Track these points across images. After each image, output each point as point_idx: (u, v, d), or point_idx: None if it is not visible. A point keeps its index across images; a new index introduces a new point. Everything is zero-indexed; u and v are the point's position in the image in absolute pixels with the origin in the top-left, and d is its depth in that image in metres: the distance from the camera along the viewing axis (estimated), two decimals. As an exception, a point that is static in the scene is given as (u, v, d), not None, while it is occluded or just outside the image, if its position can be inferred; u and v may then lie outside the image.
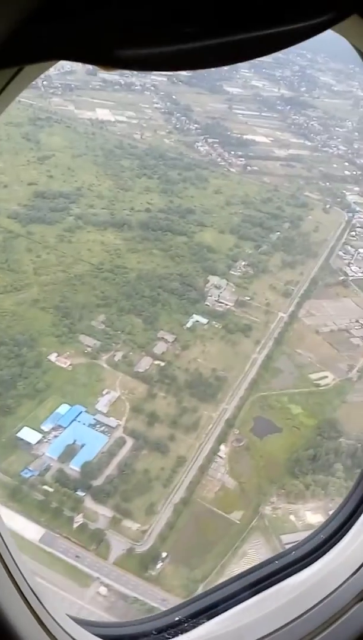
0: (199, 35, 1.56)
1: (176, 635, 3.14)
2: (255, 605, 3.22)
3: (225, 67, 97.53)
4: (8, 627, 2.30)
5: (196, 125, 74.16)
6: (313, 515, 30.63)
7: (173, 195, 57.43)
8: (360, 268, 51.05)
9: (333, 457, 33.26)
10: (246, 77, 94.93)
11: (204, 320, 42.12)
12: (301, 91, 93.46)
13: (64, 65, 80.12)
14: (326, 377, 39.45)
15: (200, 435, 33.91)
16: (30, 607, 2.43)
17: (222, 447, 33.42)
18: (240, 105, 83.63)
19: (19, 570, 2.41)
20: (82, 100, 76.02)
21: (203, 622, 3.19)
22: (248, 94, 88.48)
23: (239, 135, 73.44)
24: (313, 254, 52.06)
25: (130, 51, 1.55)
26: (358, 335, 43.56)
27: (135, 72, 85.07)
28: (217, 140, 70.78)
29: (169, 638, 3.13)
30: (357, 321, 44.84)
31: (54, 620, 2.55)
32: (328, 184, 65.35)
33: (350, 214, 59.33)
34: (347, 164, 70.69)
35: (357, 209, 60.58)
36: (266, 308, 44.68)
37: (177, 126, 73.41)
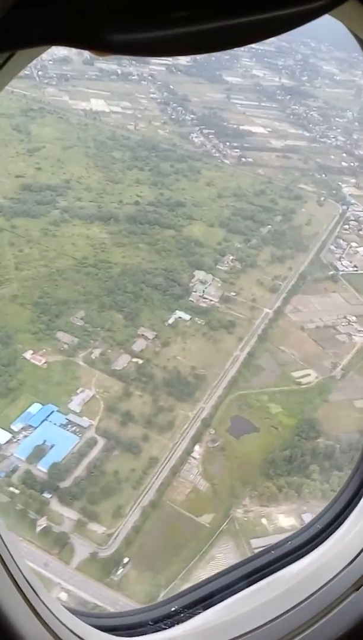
0: (193, 19, 1.54)
1: (172, 625, 3.19)
2: (251, 595, 3.27)
3: (226, 56, 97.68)
4: (4, 617, 2.31)
5: (192, 116, 73.00)
6: (285, 519, 29.94)
7: (163, 188, 56.54)
8: (351, 262, 50.08)
9: (310, 458, 32.54)
10: (247, 66, 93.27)
11: (187, 317, 41.39)
12: (303, 80, 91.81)
13: (60, 54, 79.63)
14: (309, 375, 38.66)
15: (174, 436, 33.27)
16: (26, 597, 2.46)
17: (196, 447, 32.77)
18: (238, 95, 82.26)
19: (14, 561, 2.45)
20: (77, 90, 74.87)
21: (200, 612, 3.24)
22: (248, 84, 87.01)
23: (235, 126, 72.26)
24: (303, 248, 51.10)
25: (122, 35, 1.53)
26: (345, 332, 42.67)
27: (133, 62, 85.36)
28: (213, 131, 69.60)
29: (166, 628, 3.18)
30: (345, 317, 43.93)
31: (50, 611, 2.58)
32: (324, 175, 64.19)
33: (345, 207, 58.20)
34: (344, 155, 69.40)
35: (352, 201, 59.43)
36: (252, 304, 43.86)
37: (172, 117, 72.34)
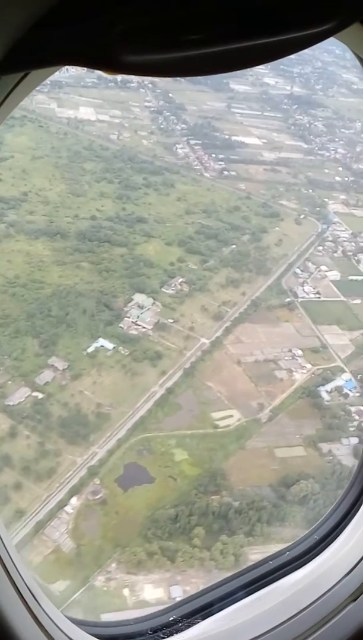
0: (203, 42, 1.62)
1: (171, 634, 3.27)
2: (249, 605, 3.36)
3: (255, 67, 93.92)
4: (6, 625, 2.32)
5: (183, 126, 69.61)
6: (153, 590, 26.19)
7: (128, 202, 53.34)
8: (314, 288, 45.82)
9: (197, 518, 28.64)
10: (259, 73, 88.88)
11: (110, 346, 37.98)
12: (316, 89, 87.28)
13: None
14: (231, 416, 34.80)
15: (52, 485, 29.83)
16: (28, 606, 2.49)
17: (73, 500, 29.27)
18: (241, 104, 78.46)
19: (17, 569, 2.49)
20: (68, 98, 72.50)
21: (198, 622, 3.31)
22: (255, 92, 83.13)
23: (227, 137, 68.58)
24: (265, 271, 47.08)
25: (135, 57, 1.61)
26: (286, 368, 38.63)
27: None
28: (200, 142, 66.04)
29: (164, 637, 3.24)
30: (290, 350, 39.84)
31: (51, 619, 2.65)
32: (311, 191, 59.95)
33: (325, 226, 53.87)
34: (340, 169, 64.94)
35: (335, 219, 55.10)
36: (189, 333, 40.20)
37: (162, 126, 69.10)
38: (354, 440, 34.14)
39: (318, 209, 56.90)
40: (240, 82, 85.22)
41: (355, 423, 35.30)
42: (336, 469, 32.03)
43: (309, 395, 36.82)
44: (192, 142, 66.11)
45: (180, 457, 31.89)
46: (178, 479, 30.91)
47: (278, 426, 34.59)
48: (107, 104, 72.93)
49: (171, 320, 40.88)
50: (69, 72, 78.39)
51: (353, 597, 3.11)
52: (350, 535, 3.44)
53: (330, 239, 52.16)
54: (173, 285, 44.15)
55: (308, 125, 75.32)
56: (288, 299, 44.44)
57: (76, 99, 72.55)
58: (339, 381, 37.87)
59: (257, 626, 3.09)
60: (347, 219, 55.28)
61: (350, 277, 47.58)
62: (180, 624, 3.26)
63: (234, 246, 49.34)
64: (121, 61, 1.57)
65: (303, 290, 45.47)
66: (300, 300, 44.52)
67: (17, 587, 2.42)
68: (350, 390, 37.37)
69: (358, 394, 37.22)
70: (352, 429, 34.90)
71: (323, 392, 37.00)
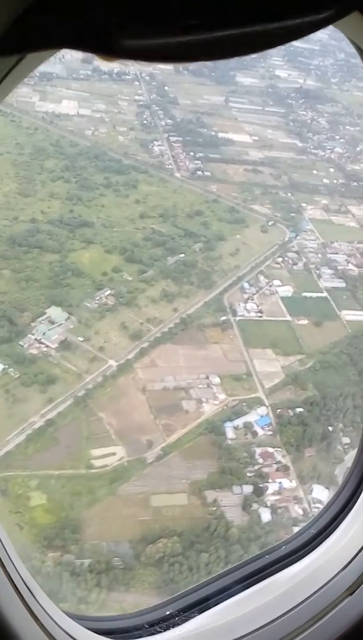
0: (202, 28, 1.58)
1: (168, 628, 3.27)
2: (245, 599, 3.39)
3: (252, 55, 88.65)
4: (2, 620, 2.34)
5: (168, 121, 65.25)
6: None
7: (80, 204, 49.52)
8: (257, 306, 41.03)
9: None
10: (273, 65, 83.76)
11: None
12: (331, 83, 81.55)
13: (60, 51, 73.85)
14: (113, 454, 30.69)
15: None
16: (24, 600, 2.50)
17: None
18: (241, 98, 73.58)
19: (13, 563, 2.51)
20: (55, 91, 69.06)
21: (195, 616, 3.35)
22: (261, 86, 78.07)
23: (214, 134, 63.91)
24: (208, 285, 42.52)
25: (132, 42, 1.56)
26: (196, 398, 34.20)
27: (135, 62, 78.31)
28: (181, 139, 61.59)
29: (161, 631, 3.25)
30: (207, 377, 35.35)
31: (47, 613, 2.67)
32: (290, 194, 54.88)
33: (294, 234, 48.84)
34: (332, 170, 59.63)
35: (308, 227, 50.03)
36: (97, 353, 36.16)
37: (145, 122, 64.94)
38: (248, 489, 29.54)
39: (292, 214, 51.85)
40: (248, 74, 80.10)
41: (256, 467, 30.64)
42: (212, 525, 27.56)
43: (212, 432, 32.33)
44: (173, 139, 61.66)
45: (36, 501, 27.96)
46: (26, 527, 27.00)
47: (165, 468, 30.29)
48: (93, 97, 69.08)
49: (81, 339, 36.94)
50: (64, 65, 75.38)
51: (350, 591, 3.12)
52: (346, 530, 3.43)
53: (295, 249, 47.20)
54: (97, 298, 40.15)
55: (309, 122, 69.89)
56: (224, 318, 39.82)
57: (62, 92, 68.95)
58: (252, 416, 33.25)
59: (254, 620, 3.10)
60: (322, 227, 50.08)
61: (304, 294, 42.58)
62: (177, 618, 3.25)
63: (182, 255, 44.92)
64: (118, 46, 1.48)
65: (245, 307, 40.80)
66: (238, 319, 39.89)
67: (13, 582, 2.39)
68: (262, 428, 32.69)
69: (270, 433, 32.51)
70: (250, 474, 30.26)
71: (229, 428, 32.43)
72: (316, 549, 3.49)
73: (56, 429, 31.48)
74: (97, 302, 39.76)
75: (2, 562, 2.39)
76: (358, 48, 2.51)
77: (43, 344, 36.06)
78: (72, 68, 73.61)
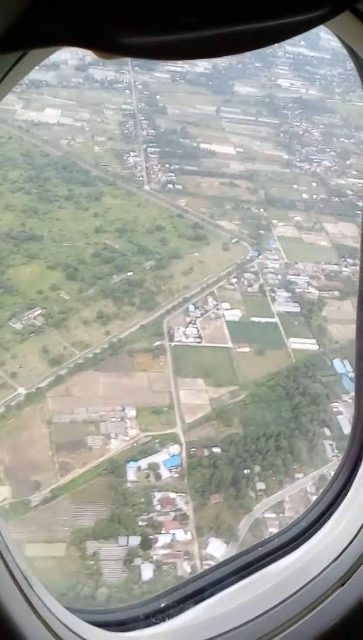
0: (198, 26, 1.61)
1: (163, 620, 3.29)
2: (239, 591, 3.41)
3: (257, 64, 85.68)
4: (2, 613, 2.33)
5: (150, 131, 62.73)
6: None
7: (34, 217, 47.22)
8: (198, 331, 37.97)
9: None
10: (276, 74, 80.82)
11: None
12: (334, 93, 78.02)
13: (53, 59, 72.25)
14: (-4, 495, 28.11)
15: None
16: (23, 592, 2.49)
17: None
18: (235, 108, 70.67)
19: (12, 555, 2.48)
20: (40, 98, 67.15)
21: (190, 608, 3.35)
22: (259, 95, 75.03)
23: (196, 145, 61.10)
24: (151, 306, 39.64)
25: (130, 39, 1.58)
26: (105, 433, 31.36)
27: (137, 69, 76.07)
28: (159, 150, 58.93)
29: (157, 623, 3.26)
30: (123, 410, 32.50)
31: (45, 606, 2.65)
32: (263, 210, 51.72)
33: (256, 253, 45.68)
34: (314, 184, 56.34)
35: (274, 246, 46.79)
36: (7, 380, 33.59)
37: (126, 132, 62.47)
38: (135, 541, 26.55)
39: (261, 231, 48.67)
40: (248, 83, 77.24)
41: (151, 515, 27.64)
42: (81, 582, 24.71)
43: (112, 472, 29.42)
44: (150, 149, 59.08)
45: None
46: None
47: (50, 513, 27.53)
48: (79, 105, 66.95)
49: (-6, 364, 34.48)
50: (57, 72, 73.61)
51: (342, 582, 3.15)
52: (337, 522, 3.44)
53: (254, 269, 44.01)
54: (25, 318, 37.63)
55: (301, 134, 66.52)
56: (158, 343, 36.93)
57: (48, 101, 66.98)
58: (161, 455, 30.25)
59: (248, 611, 3.12)
60: (290, 245, 46.81)
61: (253, 319, 39.39)
62: (172, 610, 3.27)
63: (129, 273, 42.18)
64: (116, 43, 1.52)
65: (184, 332, 37.81)
66: (173, 344, 36.96)
67: (12, 574, 2.40)
68: (169, 470, 29.66)
69: (177, 475, 29.46)
70: (142, 523, 27.27)
71: (132, 469, 29.50)
72: (308, 541, 3.49)
73: None
74: (23, 322, 37.25)
75: (2, 556, 2.38)
76: (349, 48, 2.49)
77: None
78: (64, 76, 71.82)
